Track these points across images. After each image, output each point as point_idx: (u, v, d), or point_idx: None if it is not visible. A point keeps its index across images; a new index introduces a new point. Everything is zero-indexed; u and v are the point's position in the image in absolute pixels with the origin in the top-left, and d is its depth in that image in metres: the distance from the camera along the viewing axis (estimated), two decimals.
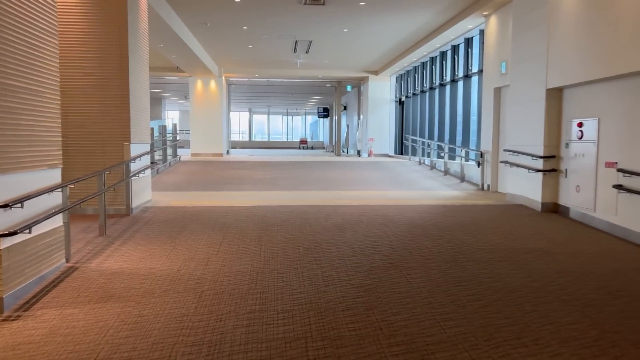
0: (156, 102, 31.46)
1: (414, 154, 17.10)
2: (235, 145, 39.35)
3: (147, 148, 8.19)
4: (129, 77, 7.27)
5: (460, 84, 13.85)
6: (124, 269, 4.84)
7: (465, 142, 13.35)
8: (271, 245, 5.72)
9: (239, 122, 45.76)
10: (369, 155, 20.72)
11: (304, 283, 4.46)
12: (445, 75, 14.93)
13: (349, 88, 24.19)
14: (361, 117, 22.25)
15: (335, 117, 23.72)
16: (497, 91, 10.47)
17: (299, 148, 38.78)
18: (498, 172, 10.51)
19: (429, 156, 15.44)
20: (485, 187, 10.80)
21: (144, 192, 8.10)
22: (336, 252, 5.42)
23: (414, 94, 18.21)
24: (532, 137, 8.33)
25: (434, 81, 15.92)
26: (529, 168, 8.27)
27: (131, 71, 7.36)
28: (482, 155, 10.88)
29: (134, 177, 7.41)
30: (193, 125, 19.98)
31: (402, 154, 19.99)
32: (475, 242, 5.94)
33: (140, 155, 7.55)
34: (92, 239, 5.99)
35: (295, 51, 16.31)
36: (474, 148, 12.53)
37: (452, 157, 13.58)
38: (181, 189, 10.45)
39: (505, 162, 9.23)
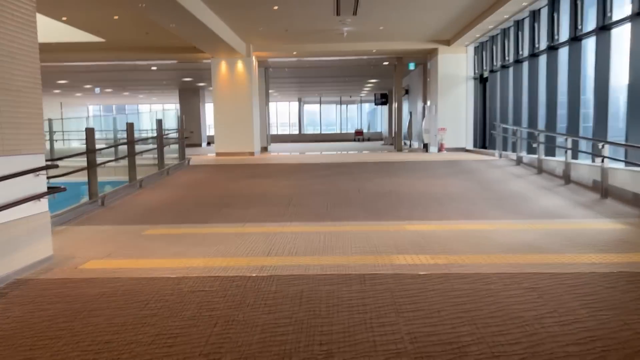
0: (192, 93, 28.22)
1: (505, 148, 12.43)
2: (285, 139, 35.78)
3: (31, 163, 4.29)
4: None
5: (588, 42, 9.09)
6: None
7: (600, 132, 8.61)
8: None
9: (289, 114, 42.07)
10: (439, 150, 16.14)
11: None
12: (558, 34, 10.15)
13: (411, 66, 19.62)
14: (428, 101, 17.66)
15: (395, 104, 19.27)
16: None
17: (355, 140, 34.69)
18: None
19: (530, 152, 10.80)
20: None
21: (23, 249, 4.22)
22: None
23: (502, 67, 13.43)
24: None
25: (537, 44, 11.15)
26: None
27: None
28: None
29: None
30: (217, 119, 16.22)
31: (485, 147, 15.26)
32: None
33: None
34: None
35: (338, 13, 12.05)
36: (625, 142, 7.80)
37: (573, 155, 8.90)
38: (145, 221, 6.55)
39: None
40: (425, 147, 17.21)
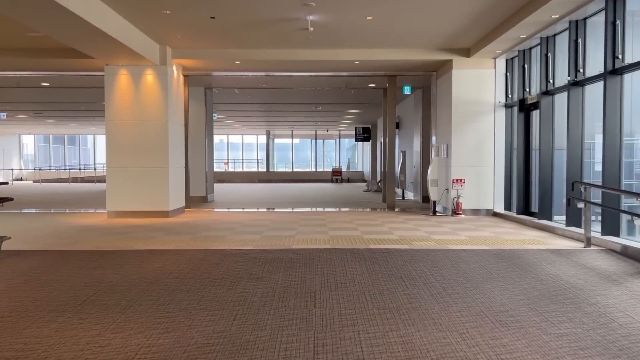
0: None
1: (574, 220, 6.96)
2: (251, 178, 30.39)
3: None
4: None
5: None
6: None
7: None
8: None
9: (257, 148, 36.62)
10: (455, 213, 10.68)
11: None
12: None
13: (406, 90, 14.28)
14: (433, 138, 12.31)
15: (384, 140, 13.88)
16: None
17: (332, 181, 29.43)
18: None
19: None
20: None
21: None
22: None
23: (574, 84, 8.04)
24: None
25: None
26: None
27: None
28: None
29: None
30: (110, 158, 10.52)
31: (530, 213, 9.80)
32: None
33: None
34: None
35: None
36: None
37: None
38: None
39: None
40: (431, 203, 11.66)
